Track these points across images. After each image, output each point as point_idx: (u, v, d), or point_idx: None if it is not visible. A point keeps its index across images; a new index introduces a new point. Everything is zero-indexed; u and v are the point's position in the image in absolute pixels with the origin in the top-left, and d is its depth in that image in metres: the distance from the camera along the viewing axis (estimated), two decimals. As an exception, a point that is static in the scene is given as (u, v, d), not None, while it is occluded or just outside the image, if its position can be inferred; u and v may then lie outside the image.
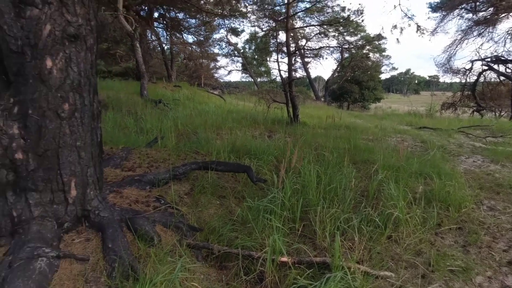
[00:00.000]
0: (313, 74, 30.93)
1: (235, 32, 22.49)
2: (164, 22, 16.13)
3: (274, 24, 13.56)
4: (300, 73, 22.17)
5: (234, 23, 17.41)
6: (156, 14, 15.36)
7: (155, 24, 15.80)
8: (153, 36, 16.68)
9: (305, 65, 24.55)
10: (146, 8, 14.11)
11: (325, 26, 16.29)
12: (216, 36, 22.45)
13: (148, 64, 13.98)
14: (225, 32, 21.62)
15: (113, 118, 5.96)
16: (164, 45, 17.25)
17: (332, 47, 21.64)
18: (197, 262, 2.09)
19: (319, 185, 3.02)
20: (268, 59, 26.90)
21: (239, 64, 30.39)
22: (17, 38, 1.67)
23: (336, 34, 20.22)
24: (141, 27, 12.27)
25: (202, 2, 11.76)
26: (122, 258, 1.82)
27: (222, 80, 28.89)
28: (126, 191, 2.62)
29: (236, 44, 27.87)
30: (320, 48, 19.54)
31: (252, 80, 30.80)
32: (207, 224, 2.49)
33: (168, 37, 17.40)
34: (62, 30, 1.75)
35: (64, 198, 2.00)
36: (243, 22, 17.43)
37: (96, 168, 2.19)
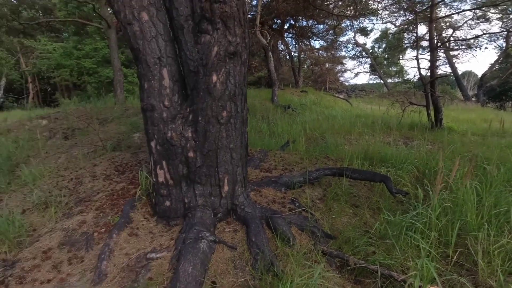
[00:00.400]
0: (460, 70, 25.71)
1: (364, 31, 21.35)
2: (294, 31, 16.91)
3: (411, 17, 12.06)
4: (442, 70, 18.78)
5: (363, 23, 16.55)
6: (286, 25, 16.31)
7: (285, 34, 16.79)
8: (282, 46, 17.78)
9: (450, 60, 20.64)
10: (278, 21, 15.18)
11: (484, 8, 13.24)
12: (343, 38, 21.85)
13: (278, 72, 14.96)
14: (353, 33, 20.80)
15: (249, 123, 6.64)
16: (292, 53, 18.13)
17: (493, 33, 17.25)
18: (331, 270, 2.05)
19: (481, 206, 2.46)
20: (401, 57, 24.21)
21: (367, 66, 28.64)
22: (194, 60, 2.09)
23: (501, 16, 16.00)
24: (274, 39, 13.27)
25: (331, 6, 11.67)
26: (264, 253, 1.98)
27: (347, 84, 27.88)
28: (264, 190, 2.86)
29: (364, 44, 26.46)
30: (476, 36, 15.99)
31: (382, 81, 28.34)
32: (340, 233, 2.42)
33: (296, 45, 18.19)
34: (225, 50, 2.07)
35: (219, 192, 2.35)
36: (372, 20, 16.35)
37: (243, 167, 2.48)
